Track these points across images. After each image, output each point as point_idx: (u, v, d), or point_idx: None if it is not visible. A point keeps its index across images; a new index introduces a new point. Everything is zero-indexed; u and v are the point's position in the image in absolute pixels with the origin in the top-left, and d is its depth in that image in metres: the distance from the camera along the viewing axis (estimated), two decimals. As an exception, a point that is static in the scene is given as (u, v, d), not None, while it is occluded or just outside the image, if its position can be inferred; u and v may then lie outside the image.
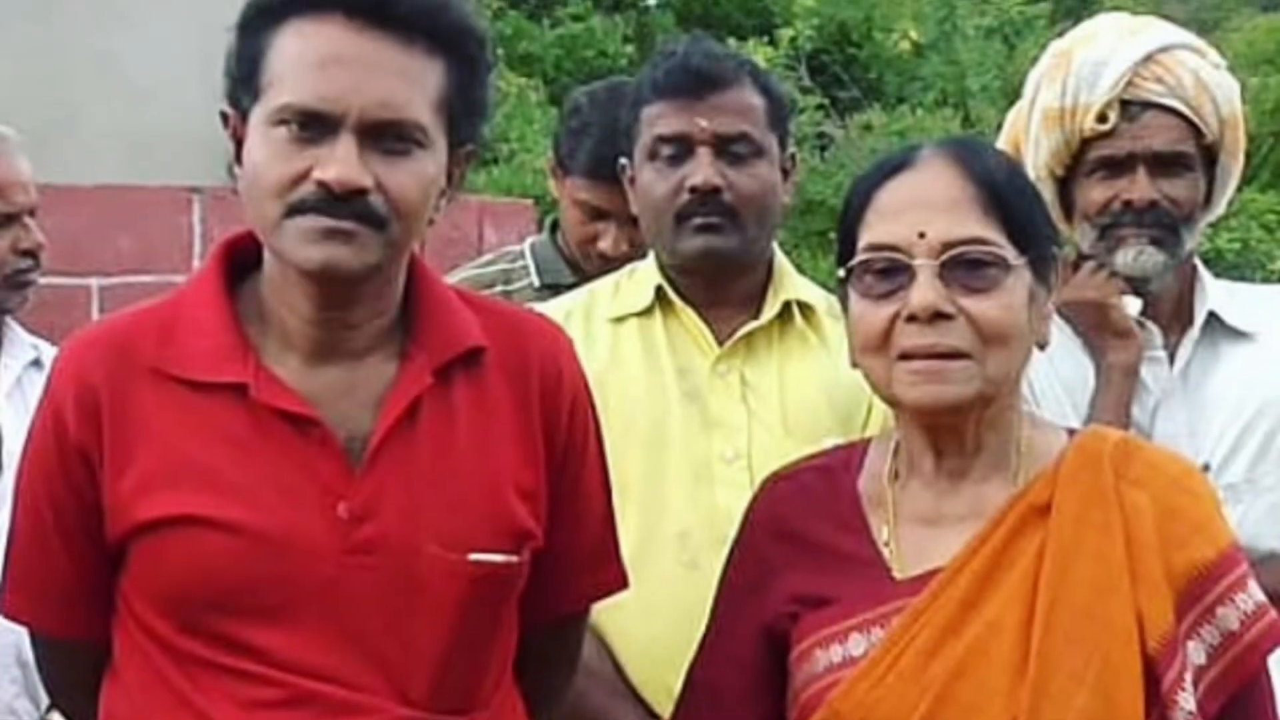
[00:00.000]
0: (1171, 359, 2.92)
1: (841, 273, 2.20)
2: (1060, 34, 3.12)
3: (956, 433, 2.17)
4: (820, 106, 12.92)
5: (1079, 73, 2.90)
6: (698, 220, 2.71)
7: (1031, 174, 2.79)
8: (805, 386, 2.74)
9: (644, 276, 2.83)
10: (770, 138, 2.78)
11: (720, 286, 2.77)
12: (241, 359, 2.11)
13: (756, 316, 2.78)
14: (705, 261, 2.74)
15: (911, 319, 2.11)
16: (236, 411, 2.10)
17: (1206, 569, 2.11)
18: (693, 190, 2.71)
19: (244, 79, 2.09)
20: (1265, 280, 10.46)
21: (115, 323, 2.22)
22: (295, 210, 2.04)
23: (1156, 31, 2.96)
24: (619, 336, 2.79)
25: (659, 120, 2.76)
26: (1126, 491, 2.14)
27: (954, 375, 2.12)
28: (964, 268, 2.12)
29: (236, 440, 2.09)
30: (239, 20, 2.12)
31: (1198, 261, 3.00)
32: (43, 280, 3.56)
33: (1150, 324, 2.91)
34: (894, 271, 2.14)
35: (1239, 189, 3.11)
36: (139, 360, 2.13)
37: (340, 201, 2.02)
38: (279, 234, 2.06)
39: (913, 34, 14.64)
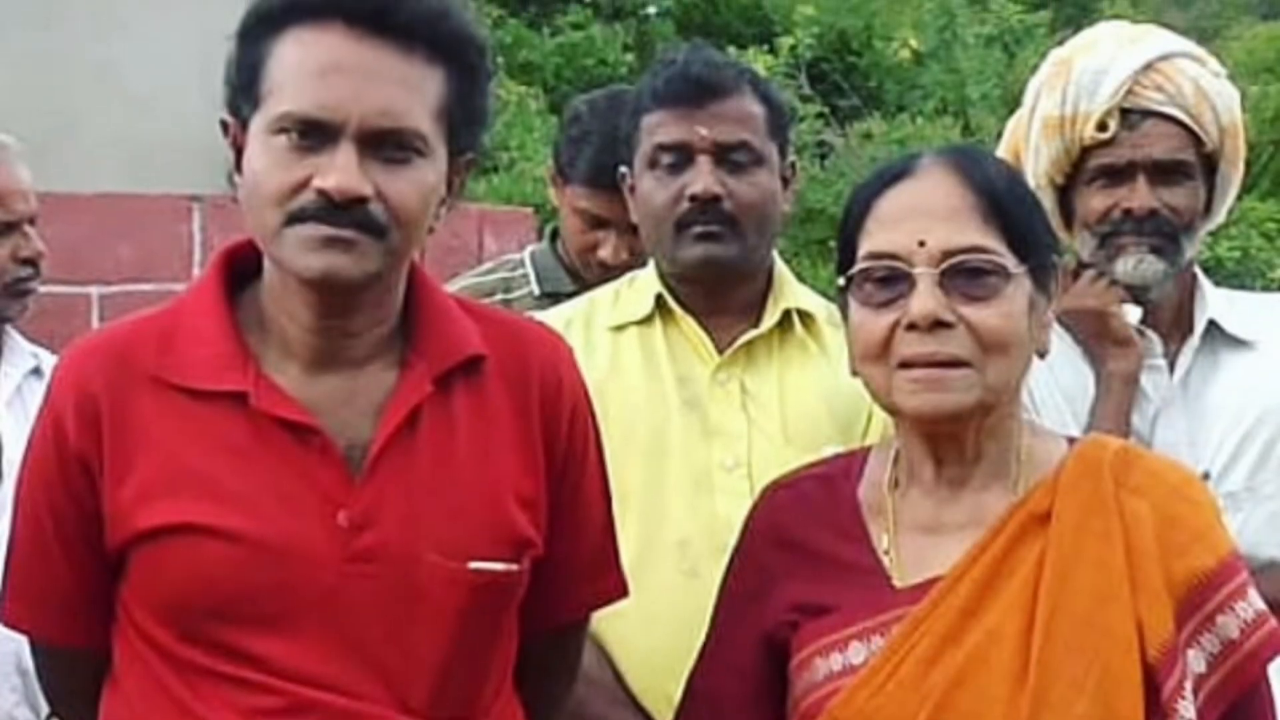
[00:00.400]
0: (1171, 367, 2.92)
1: (841, 281, 2.20)
2: (1060, 42, 3.11)
3: (957, 441, 2.17)
4: (820, 115, 12.91)
5: (1079, 81, 2.90)
6: (698, 229, 2.71)
7: (1031, 182, 2.79)
8: (805, 395, 2.74)
9: (644, 285, 2.83)
10: (770, 146, 2.77)
11: (720, 295, 2.77)
12: (241, 367, 2.11)
13: (756, 325, 2.77)
14: (705, 270, 2.74)
15: (911, 327, 2.11)
16: (236, 420, 2.09)
17: (1207, 577, 2.11)
18: (693, 198, 2.71)
19: (244, 87, 2.09)
20: (1265, 288, 10.45)
21: (115, 331, 2.21)
22: (295, 219, 2.04)
23: (1156, 40, 2.96)
24: (619, 345, 2.78)
25: (659, 128, 2.76)
26: (1127, 500, 2.14)
27: (954, 384, 2.12)
28: (964, 276, 2.12)
29: (236, 448, 2.09)
30: (239, 28, 2.12)
31: (1198, 270, 3.00)
32: (43, 288, 3.57)
33: (1150, 332, 2.91)
34: (894, 280, 2.13)
35: (1239, 197, 3.10)
36: (139, 368, 2.12)
37: (340, 210, 2.02)
38: (279, 242, 2.06)
39: (913, 42, 14.62)
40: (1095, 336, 2.88)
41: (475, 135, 2.17)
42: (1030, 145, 2.96)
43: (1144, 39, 2.96)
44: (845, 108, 13.86)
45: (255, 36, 2.09)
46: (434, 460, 2.12)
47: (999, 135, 3.17)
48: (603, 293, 2.90)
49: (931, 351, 2.11)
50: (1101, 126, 2.87)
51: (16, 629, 2.27)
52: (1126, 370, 2.85)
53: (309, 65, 2.05)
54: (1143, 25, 3.12)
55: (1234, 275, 10.75)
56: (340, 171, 2.01)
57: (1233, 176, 2.96)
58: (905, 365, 2.13)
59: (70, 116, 5.05)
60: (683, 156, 2.74)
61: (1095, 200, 2.90)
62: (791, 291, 2.81)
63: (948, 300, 2.11)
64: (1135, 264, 2.87)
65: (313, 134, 2.03)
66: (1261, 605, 2.15)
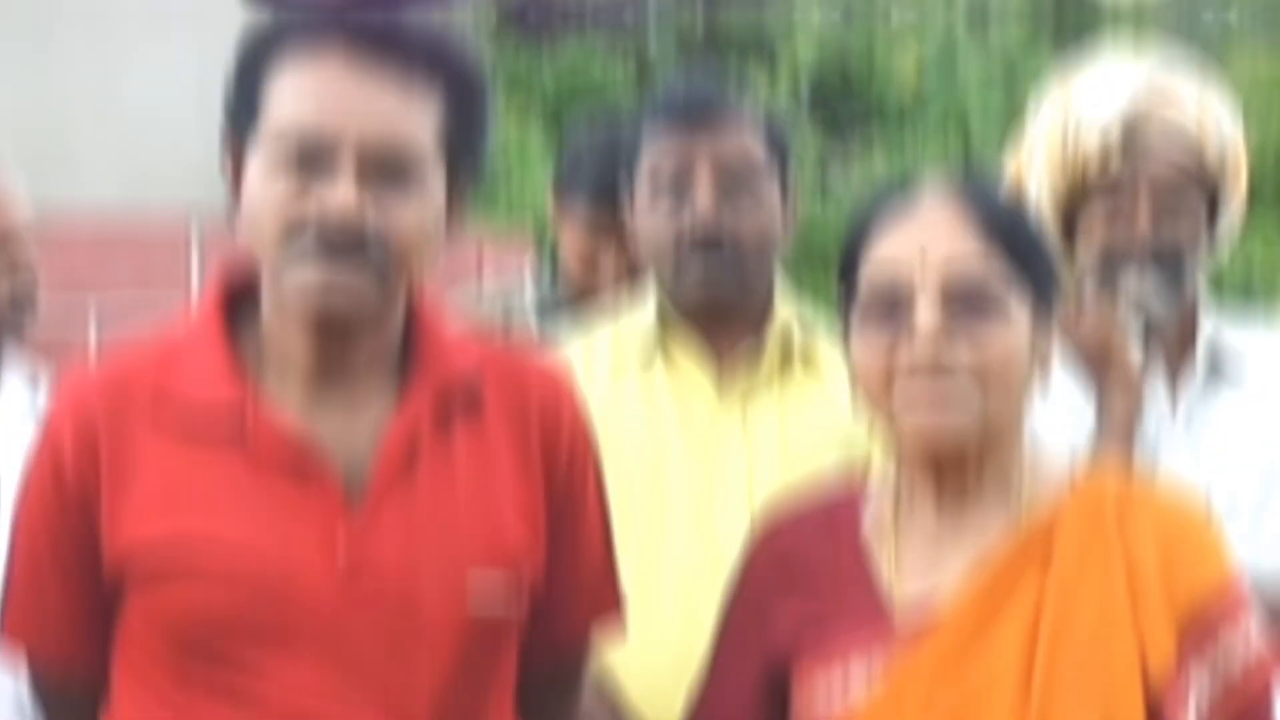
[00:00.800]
0: (1173, 396, 2.91)
1: (842, 307, 2.19)
2: (1061, 66, 3.11)
3: (958, 468, 2.16)
4: (821, 139, 12.95)
5: (1080, 105, 2.90)
6: (697, 254, 2.71)
7: (1033, 207, 2.79)
8: (806, 424, 2.73)
9: (643, 315, 2.82)
10: (770, 168, 2.77)
11: (720, 320, 2.76)
12: (239, 396, 2.10)
13: (757, 352, 2.76)
14: (705, 295, 2.73)
15: (912, 350, 2.10)
16: (235, 449, 2.09)
17: (1209, 604, 2.11)
18: (692, 221, 2.71)
19: (242, 110, 2.09)
20: (1268, 313, 10.47)
21: (113, 361, 2.21)
22: (294, 245, 2.03)
23: (1159, 65, 2.96)
24: (618, 377, 2.78)
25: (659, 151, 2.76)
26: (1129, 528, 2.13)
27: (955, 408, 2.11)
28: (965, 302, 2.11)
29: (234, 479, 2.08)
30: (238, 51, 2.12)
31: (1200, 296, 2.99)
32: (41, 301, 3.56)
33: (1152, 360, 2.90)
34: (895, 305, 2.13)
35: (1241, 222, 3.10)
36: (138, 398, 2.12)
37: (339, 236, 2.02)
38: (277, 269, 2.06)
39: (914, 65, 14.68)
40: (1097, 363, 2.87)
41: (475, 161, 2.17)
42: (1032, 169, 2.96)
43: (1146, 64, 2.96)
44: (847, 133, 13.91)
45: (254, 60, 2.09)
46: (433, 491, 2.11)
47: (1001, 155, 3.16)
48: (602, 324, 2.89)
49: (933, 377, 2.10)
50: (1103, 151, 2.86)
51: (15, 646, 2.24)
52: (1129, 397, 2.84)
53: (308, 89, 2.05)
54: (1145, 50, 3.13)
55: (1238, 294, 10.78)
56: (339, 196, 2.01)
57: (1234, 204, 2.95)
58: (906, 390, 2.12)
59: (68, 135, 5.07)
60: (682, 179, 2.73)
61: (1097, 225, 2.89)
62: (792, 318, 2.80)
63: (949, 325, 2.10)
64: (1137, 290, 2.86)
65: (312, 159, 2.03)
66: (1261, 631, 2.15)
